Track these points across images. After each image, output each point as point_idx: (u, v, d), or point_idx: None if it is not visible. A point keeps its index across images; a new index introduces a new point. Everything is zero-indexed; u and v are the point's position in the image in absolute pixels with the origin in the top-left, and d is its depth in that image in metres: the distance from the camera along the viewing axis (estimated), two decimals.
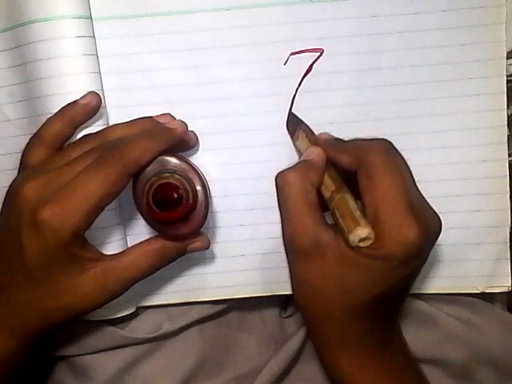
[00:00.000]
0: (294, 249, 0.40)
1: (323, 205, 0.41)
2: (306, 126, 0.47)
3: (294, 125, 0.47)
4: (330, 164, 0.42)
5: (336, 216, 0.39)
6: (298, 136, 0.46)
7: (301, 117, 0.47)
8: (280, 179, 0.41)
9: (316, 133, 0.46)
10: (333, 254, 0.39)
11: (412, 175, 0.40)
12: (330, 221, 0.41)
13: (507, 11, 0.45)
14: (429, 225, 0.38)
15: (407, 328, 0.47)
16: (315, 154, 0.42)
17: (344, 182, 0.41)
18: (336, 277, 0.39)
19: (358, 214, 0.38)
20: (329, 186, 0.41)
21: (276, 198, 0.46)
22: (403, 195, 0.38)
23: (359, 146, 0.41)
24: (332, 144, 0.43)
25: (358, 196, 0.40)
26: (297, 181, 0.41)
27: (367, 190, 0.39)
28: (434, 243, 0.39)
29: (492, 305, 0.51)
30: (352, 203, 0.39)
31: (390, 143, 0.41)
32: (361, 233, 0.37)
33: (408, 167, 0.40)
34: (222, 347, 0.51)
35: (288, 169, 0.41)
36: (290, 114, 0.47)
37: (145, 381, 0.50)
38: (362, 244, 0.37)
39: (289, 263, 0.42)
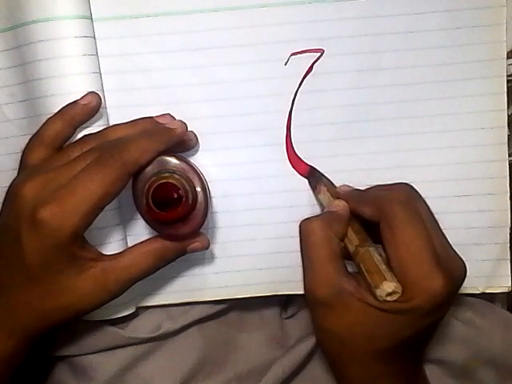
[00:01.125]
0: (316, 298, 0.40)
1: (346, 254, 0.42)
2: (327, 179, 0.47)
3: (316, 179, 0.48)
4: (353, 217, 0.43)
5: (362, 270, 0.40)
6: (320, 190, 0.47)
7: (320, 171, 0.48)
8: (305, 227, 0.42)
9: (335, 184, 0.47)
10: (356, 303, 0.39)
11: (435, 220, 0.41)
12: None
13: (507, 11, 0.45)
14: (454, 273, 0.39)
15: None
16: (340, 206, 0.43)
17: (367, 234, 0.42)
18: (360, 325, 0.39)
19: (383, 267, 0.39)
20: (352, 239, 0.42)
21: (276, 199, 0.47)
22: (427, 246, 0.38)
23: (379, 196, 0.41)
24: (353, 196, 0.44)
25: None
26: (322, 229, 0.41)
27: (390, 242, 0.39)
28: (459, 289, 0.40)
29: (492, 305, 0.51)
30: (377, 257, 0.40)
31: (411, 188, 0.41)
32: (387, 287, 0.37)
33: (431, 213, 0.41)
34: (222, 347, 0.51)
35: (313, 217, 0.42)
36: (311, 168, 0.48)
37: (145, 381, 0.50)
38: (389, 298, 0.38)
39: (310, 310, 0.42)
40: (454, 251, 0.40)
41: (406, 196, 0.40)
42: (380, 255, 0.40)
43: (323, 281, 0.40)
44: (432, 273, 0.37)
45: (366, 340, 0.40)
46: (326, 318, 0.41)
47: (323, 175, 0.48)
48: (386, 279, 0.38)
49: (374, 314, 0.38)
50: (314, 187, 0.48)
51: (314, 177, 0.48)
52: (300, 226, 0.42)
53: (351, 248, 0.41)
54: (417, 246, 0.38)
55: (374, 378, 0.41)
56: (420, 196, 0.41)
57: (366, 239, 0.41)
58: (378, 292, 0.38)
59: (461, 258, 0.40)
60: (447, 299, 0.38)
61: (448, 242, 0.40)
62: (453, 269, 0.39)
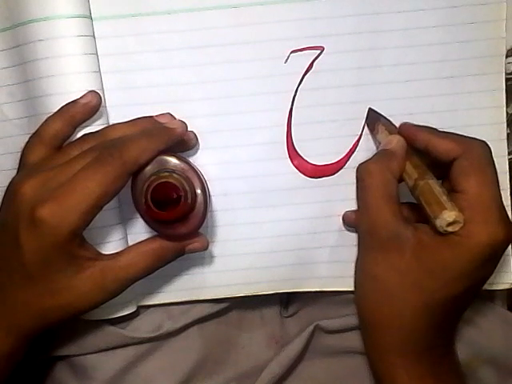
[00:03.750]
0: (371, 241, 0.41)
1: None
2: (386, 118, 0.47)
3: (374, 119, 0.47)
4: (411, 151, 0.43)
5: (421, 203, 0.39)
6: (378, 130, 0.46)
7: (378, 111, 0.47)
8: (361, 170, 0.42)
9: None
10: (413, 248, 0.39)
11: None
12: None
13: (507, 8, 0.45)
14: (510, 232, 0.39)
15: None
16: (394, 142, 0.43)
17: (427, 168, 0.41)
18: (413, 272, 0.39)
19: (444, 198, 0.39)
20: (411, 173, 0.41)
21: (276, 197, 0.47)
22: (498, 198, 0.39)
23: (461, 136, 0.42)
24: (424, 130, 0.43)
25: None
26: (378, 172, 0.41)
27: (468, 178, 0.39)
28: (504, 251, 0.40)
29: (493, 304, 0.51)
30: (437, 188, 0.39)
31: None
32: (448, 216, 0.37)
33: None
34: (223, 346, 0.51)
35: (369, 159, 0.42)
36: (370, 110, 0.47)
37: (145, 380, 0.50)
38: (450, 229, 0.38)
39: (359, 257, 0.42)
40: None
41: (488, 147, 0.41)
42: (441, 187, 0.40)
43: (380, 224, 0.40)
44: (499, 221, 0.38)
45: (415, 292, 0.39)
46: (377, 262, 0.40)
47: (381, 115, 0.47)
48: (446, 209, 0.38)
49: (429, 259, 0.38)
50: (371, 128, 0.47)
51: (371, 117, 0.47)
52: (357, 170, 0.43)
53: (410, 182, 0.41)
54: (491, 193, 0.39)
55: (413, 344, 0.40)
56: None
57: (425, 172, 0.41)
58: (439, 222, 0.37)
59: None
60: (500, 254, 0.39)
61: None
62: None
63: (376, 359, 0.42)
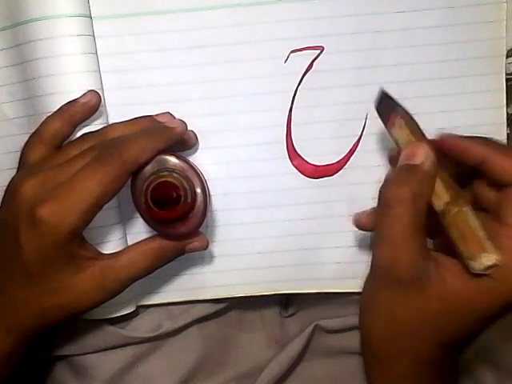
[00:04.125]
0: (389, 278, 0.36)
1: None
2: (404, 110, 0.40)
3: (389, 108, 0.40)
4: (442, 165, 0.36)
5: (452, 234, 0.34)
6: (395, 122, 0.39)
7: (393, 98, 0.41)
8: (389, 195, 0.36)
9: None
10: (436, 289, 0.35)
11: None
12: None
13: (507, 8, 0.45)
14: None
15: None
16: (424, 156, 0.36)
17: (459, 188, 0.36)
18: (434, 313, 0.35)
19: (482, 234, 0.33)
20: (441, 194, 0.35)
21: (276, 197, 0.46)
22: None
23: (491, 140, 0.37)
24: (482, 141, 0.37)
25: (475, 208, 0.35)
26: (411, 200, 0.35)
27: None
28: None
29: None
30: (473, 220, 0.34)
31: None
32: (487, 260, 0.32)
33: None
34: (222, 346, 0.51)
35: (396, 181, 0.36)
36: (383, 94, 0.41)
37: (145, 380, 0.50)
38: (488, 272, 0.33)
39: (371, 290, 0.38)
40: None
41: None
42: (477, 219, 0.34)
43: (404, 260, 0.34)
44: None
45: (435, 331, 0.36)
46: (394, 301, 0.36)
47: (399, 105, 0.40)
48: (485, 250, 0.32)
49: (453, 304, 0.35)
50: (385, 119, 0.40)
51: (385, 104, 0.41)
52: (382, 194, 0.36)
53: (438, 205, 0.35)
54: None
55: (427, 372, 0.37)
56: None
57: (459, 195, 0.35)
58: (476, 265, 0.32)
59: None
60: None
61: None
62: None
63: None
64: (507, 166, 0.35)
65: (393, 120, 0.39)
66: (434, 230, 0.37)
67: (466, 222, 0.34)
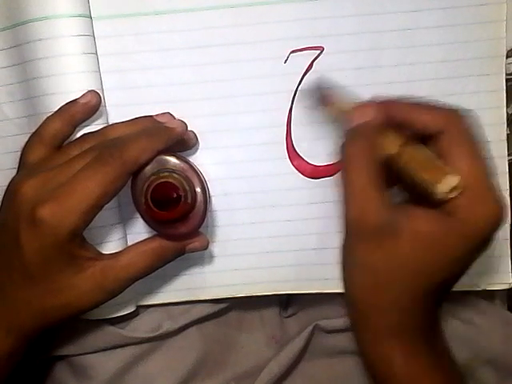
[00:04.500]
0: (360, 230, 0.37)
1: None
2: (331, 88, 0.43)
3: (320, 89, 0.43)
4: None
5: (412, 170, 0.36)
6: (331, 100, 0.42)
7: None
8: (345, 150, 0.38)
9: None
10: (408, 234, 0.36)
11: None
12: None
13: (507, 9, 0.45)
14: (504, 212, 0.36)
15: None
16: (372, 112, 0.39)
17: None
18: (411, 259, 0.36)
19: (439, 162, 0.35)
20: (392, 141, 0.37)
21: (276, 197, 0.46)
22: (489, 173, 0.36)
23: (444, 108, 0.38)
24: (403, 101, 0.39)
25: None
26: (363, 152, 0.37)
27: (460, 154, 0.36)
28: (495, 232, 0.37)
29: (493, 304, 0.51)
30: (429, 152, 0.36)
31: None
32: (451, 181, 0.34)
33: None
34: (222, 346, 0.51)
35: (352, 137, 0.38)
36: (317, 82, 0.44)
37: (145, 380, 0.50)
38: (452, 195, 0.34)
39: (347, 247, 0.38)
40: None
41: (468, 115, 0.38)
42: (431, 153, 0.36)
43: (370, 210, 0.36)
44: (495, 201, 0.35)
45: (414, 276, 0.36)
46: (369, 252, 0.37)
47: (328, 86, 0.43)
48: (448, 172, 0.34)
49: (426, 247, 0.35)
50: (321, 99, 0.43)
51: (317, 89, 0.43)
52: (340, 150, 0.38)
53: (392, 150, 0.37)
54: (485, 170, 0.36)
55: (409, 325, 0.38)
56: None
57: (408, 139, 0.37)
58: (440, 188, 0.34)
59: None
60: (493, 235, 0.36)
61: None
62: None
63: (369, 342, 0.40)
64: (429, 118, 0.37)
65: (329, 98, 0.43)
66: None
67: (422, 153, 0.36)
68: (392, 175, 0.38)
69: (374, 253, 0.37)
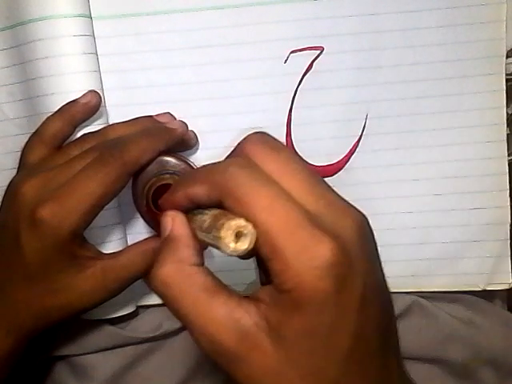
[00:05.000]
0: (220, 357, 0.28)
1: None
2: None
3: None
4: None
5: (209, 241, 0.29)
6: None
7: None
8: (155, 282, 0.30)
9: None
10: (268, 338, 0.27)
11: (297, 162, 0.29)
12: None
13: (507, 9, 0.45)
14: (344, 228, 0.27)
15: (408, 326, 0.47)
16: (169, 223, 0.32)
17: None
18: (287, 362, 0.27)
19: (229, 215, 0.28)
20: (201, 229, 0.30)
21: None
22: (293, 207, 0.27)
23: (212, 169, 0.30)
24: (179, 181, 0.33)
25: None
26: (176, 274, 0.29)
27: (246, 215, 0.27)
28: (370, 241, 0.29)
29: (493, 304, 0.51)
30: (216, 211, 0.29)
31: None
32: (233, 225, 0.26)
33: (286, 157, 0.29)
34: None
35: (156, 265, 0.30)
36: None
37: (145, 380, 0.50)
38: (241, 245, 0.27)
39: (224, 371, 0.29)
40: (343, 200, 0.30)
41: (244, 155, 0.30)
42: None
43: (216, 331, 0.28)
44: (311, 238, 0.26)
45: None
46: (240, 371, 0.28)
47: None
48: (233, 218, 0.27)
49: (291, 341, 0.27)
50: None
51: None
52: (150, 284, 0.30)
53: (209, 236, 0.29)
54: (281, 211, 0.27)
55: None
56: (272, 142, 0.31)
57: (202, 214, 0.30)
58: (224, 233, 0.27)
59: (354, 208, 0.29)
60: (351, 263, 0.26)
61: (328, 191, 0.29)
62: (341, 224, 0.27)
63: None
64: (200, 190, 0.30)
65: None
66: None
67: (215, 217, 0.29)
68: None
69: (247, 370, 0.28)
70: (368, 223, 0.29)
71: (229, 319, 0.28)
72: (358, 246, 0.27)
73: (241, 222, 0.26)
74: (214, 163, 0.30)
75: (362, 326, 0.27)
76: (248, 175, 0.28)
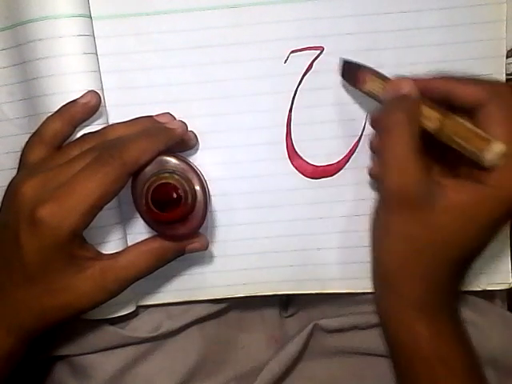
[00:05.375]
0: (398, 199, 0.38)
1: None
2: (368, 66, 0.44)
3: (355, 70, 0.44)
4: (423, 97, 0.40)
5: (457, 142, 0.37)
6: (366, 79, 0.43)
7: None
8: (387, 121, 0.39)
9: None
10: (445, 206, 0.38)
11: None
12: None
13: (507, 9, 0.45)
14: None
15: None
16: (409, 85, 0.40)
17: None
18: (445, 229, 0.38)
19: (481, 132, 0.37)
20: (431, 115, 0.39)
21: (276, 197, 0.46)
22: None
23: (484, 81, 0.39)
24: (443, 76, 0.41)
25: None
26: (407, 121, 0.38)
27: (499, 126, 0.37)
28: None
29: (493, 304, 0.51)
30: (469, 124, 0.38)
31: None
32: (497, 148, 0.36)
33: None
34: (222, 346, 0.51)
35: (391, 108, 0.39)
36: (344, 62, 0.45)
37: (145, 380, 0.50)
38: (499, 162, 0.36)
39: (381, 215, 0.40)
40: None
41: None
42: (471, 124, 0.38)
43: (411, 180, 0.37)
44: None
45: (446, 247, 0.38)
46: (407, 221, 0.38)
47: (360, 64, 0.44)
48: (492, 141, 0.36)
49: (461, 217, 0.38)
50: (356, 81, 0.44)
51: (349, 70, 0.45)
52: (380, 120, 0.40)
53: (433, 125, 0.38)
54: None
55: (435, 297, 0.40)
56: None
57: (447, 112, 0.39)
58: (488, 155, 0.36)
59: None
60: None
61: None
62: None
63: (394, 310, 0.41)
64: (471, 91, 0.38)
65: (363, 78, 0.43)
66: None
67: (463, 125, 0.37)
68: (429, 150, 0.39)
69: (409, 222, 0.38)
70: None
71: (424, 178, 0.37)
72: None
73: (509, 149, 0.36)
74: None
75: (492, 238, 0.40)
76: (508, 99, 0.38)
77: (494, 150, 0.36)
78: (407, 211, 0.38)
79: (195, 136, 0.47)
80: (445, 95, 0.40)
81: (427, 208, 0.38)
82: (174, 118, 0.46)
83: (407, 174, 0.38)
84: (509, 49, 0.46)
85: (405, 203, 0.38)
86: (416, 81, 0.41)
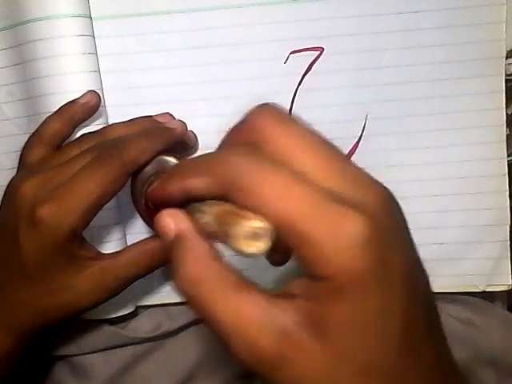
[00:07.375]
0: (261, 364, 0.25)
1: None
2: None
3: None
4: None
5: (213, 229, 0.27)
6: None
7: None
8: (182, 285, 0.27)
9: None
10: (311, 335, 0.24)
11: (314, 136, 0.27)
12: None
13: (507, 10, 0.45)
14: (370, 202, 0.25)
15: None
16: (172, 223, 0.29)
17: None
18: (332, 356, 0.24)
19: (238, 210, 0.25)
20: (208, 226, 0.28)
21: None
22: (311, 188, 0.24)
23: (212, 159, 0.28)
24: (173, 172, 0.30)
25: None
26: (206, 271, 0.27)
27: (258, 207, 0.25)
28: (400, 214, 0.26)
29: (492, 304, 0.51)
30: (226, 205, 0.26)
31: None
32: (248, 224, 0.25)
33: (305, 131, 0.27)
34: (222, 346, 0.51)
35: (177, 269, 0.27)
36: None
37: (145, 380, 0.50)
38: (254, 249, 0.26)
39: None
40: (366, 175, 0.27)
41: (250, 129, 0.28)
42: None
43: (251, 331, 0.25)
44: (337, 215, 0.23)
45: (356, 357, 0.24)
46: (285, 377, 0.25)
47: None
48: (245, 217, 0.25)
49: (331, 334, 0.24)
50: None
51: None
52: (177, 284, 0.27)
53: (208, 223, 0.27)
54: (298, 194, 0.24)
55: None
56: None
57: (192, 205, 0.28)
58: (234, 231, 0.25)
59: (377, 182, 0.27)
60: (384, 236, 0.24)
61: (348, 164, 0.27)
62: (368, 200, 0.25)
63: None
64: (200, 183, 0.27)
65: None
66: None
67: (225, 211, 0.26)
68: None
69: (282, 377, 0.25)
70: (394, 197, 0.26)
71: (265, 318, 0.25)
72: (388, 219, 0.25)
73: (255, 223, 0.24)
74: (212, 153, 0.28)
75: (411, 307, 0.25)
76: (254, 163, 0.25)
77: (243, 227, 0.25)
78: (275, 370, 0.25)
79: (195, 136, 0.47)
80: (186, 195, 0.28)
81: (292, 354, 0.24)
82: (174, 118, 0.46)
83: (244, 331, 0.25)
84: (508, 50, 0.46)
85: (265, 364, 0.25)
86: (169, 182, 0.29)
